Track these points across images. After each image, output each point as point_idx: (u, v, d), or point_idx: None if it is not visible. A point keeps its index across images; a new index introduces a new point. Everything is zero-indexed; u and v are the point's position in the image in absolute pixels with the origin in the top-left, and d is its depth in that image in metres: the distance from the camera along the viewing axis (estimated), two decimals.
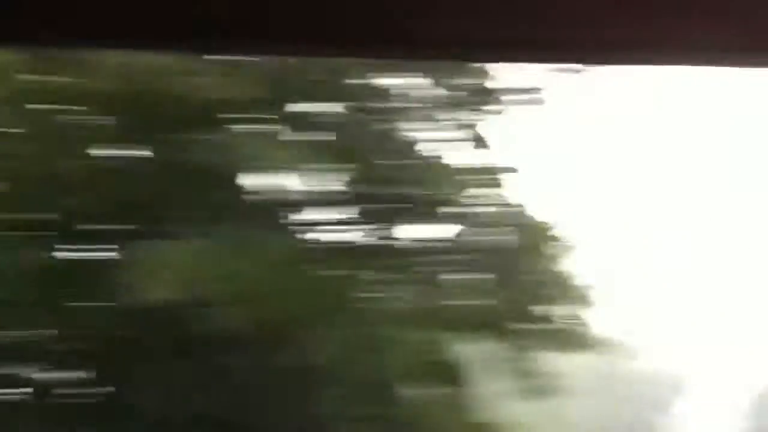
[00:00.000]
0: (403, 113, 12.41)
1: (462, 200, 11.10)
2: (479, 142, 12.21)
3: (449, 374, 11.23)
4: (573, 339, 11.18)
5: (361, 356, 10.25)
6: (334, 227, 11.81)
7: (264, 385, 9.39)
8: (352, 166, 10.93)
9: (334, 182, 11.77)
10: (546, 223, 11.81)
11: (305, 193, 11.41)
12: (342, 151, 10.63)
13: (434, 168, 10.79)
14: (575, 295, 11.60)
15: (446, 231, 11.72)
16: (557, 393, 11.07)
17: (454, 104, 12.16)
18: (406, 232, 12.33)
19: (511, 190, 12.99)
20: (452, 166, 11.39)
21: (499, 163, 12.16)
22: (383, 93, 12.27)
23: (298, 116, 11.49)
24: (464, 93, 12.27)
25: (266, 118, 11.84)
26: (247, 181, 10.34)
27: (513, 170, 12.44)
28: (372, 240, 11.58)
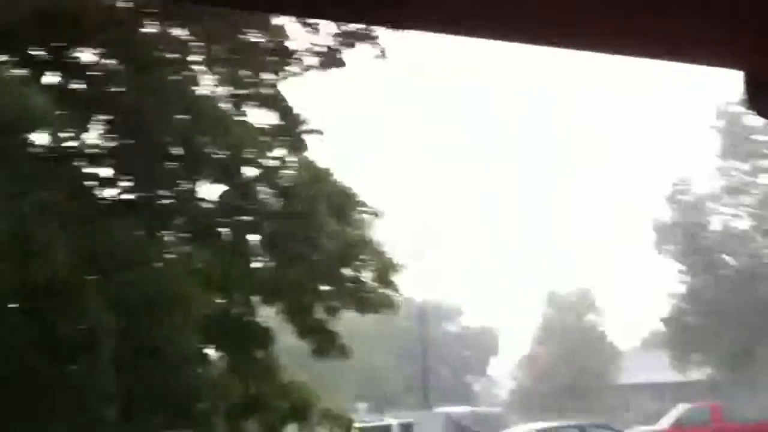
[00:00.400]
0: (199, 68, 11.70)
1: (264, 162, 10.77)
2: (281, 102, 11.85)
3: (250, 336, 10.96)
4: (381, 301, 11.25)
5: (157, 317, 9.77)
6: (123, 184, 10.97)
7: (45, 346, 8.72)
8: (126, 119, 10.19)
9: (103, 136, 10.89)
10: (351, 188, 11.68)
11: (93, 146, 10.51)
12: (112, 104, 9.88)
13: (232, 127, 10.37)
14: (382, 259, 11.64)
15: (247, 192, 11.36)
16: (351, 353, 11.25)
17: (254, 62, 11.66)
18: (207, 191, 11.65)
19: (317, 154, 12.55)
20: (253, 126, 10.99)
21: (304, 125, 11.88)
22: (173, 44, 11.46)
23: (70, 64, 10.59)
24: (264, 51, 11.78)
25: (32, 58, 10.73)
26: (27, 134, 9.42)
27: (319, 132, 12.09)
28: (169, 199, 10.94)
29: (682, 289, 39.39)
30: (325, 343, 12.38)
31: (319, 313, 12.48)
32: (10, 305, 9.98)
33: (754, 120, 38.90)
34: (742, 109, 39.20)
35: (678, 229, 38.06)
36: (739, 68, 1.40)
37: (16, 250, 8.78)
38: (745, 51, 1.34)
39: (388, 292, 12.16)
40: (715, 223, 39.75)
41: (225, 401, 11.11)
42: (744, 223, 40.05)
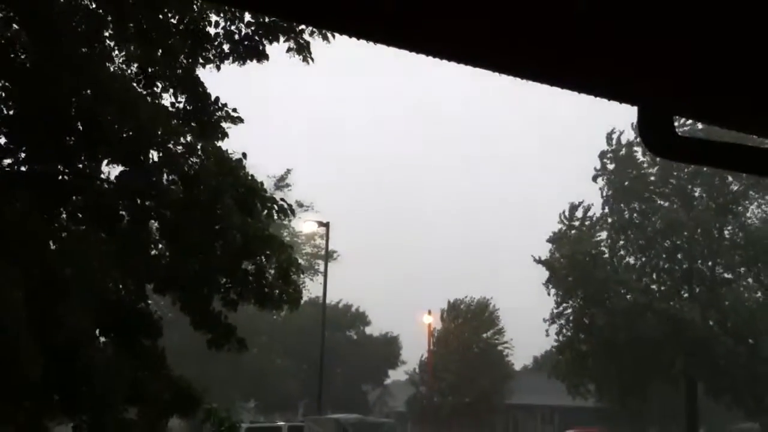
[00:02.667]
0: (111, 43, 11.28)
1: (171, 147, 10.43)
2: (195, 87, 11.53)
3: (140, 325, 10.59)
4: (282, 297, 11.02)
5: (47, 296, 9.32)
6: (19, 156, 10.49)
7: None
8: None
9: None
10: (260, 183, 11.51)
11: None
12: (12, 71, 9.46)
13: (141, 107, 10.02)
14: (286, 257, 11.42)
15: (149, 176, 11.00)
16: (247, 347, 11.14)
17: (170, 43, 11.32)
18: (109, 172, 11.21)
19: (230, 144, 12.24)
20: (163, 109, 10.66)
21: (219, 113, 11.61)
22: (84, 16, 11.06)
23: None
24: (182, 33, 11.44)
25: None
26: None
27: (241, 120, 11.91)
28: (68, 176, 10.50)
29: (574, 316, 40.24)
30: (221, 335, 12.13)
31: (217, 305, 12.23)
32: None
33: (644, 154, 40.31)
34: (634, 143, 40.57)
35: (570, 259, 38.87)
36: (634, 103, 1.45)
37: None
38: (640, 88, 1.41)
39: (290, 290, 11.98)
40: (607, 255, 40.78)
41: (115, 386, 10.76)
42: (633, 258, 41.21)
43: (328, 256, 41.60)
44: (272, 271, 11.95)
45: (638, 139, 40.85)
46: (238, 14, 11.97)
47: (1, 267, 9.42)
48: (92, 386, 10.54)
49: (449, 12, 1.27)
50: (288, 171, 48.75)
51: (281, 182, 47.02)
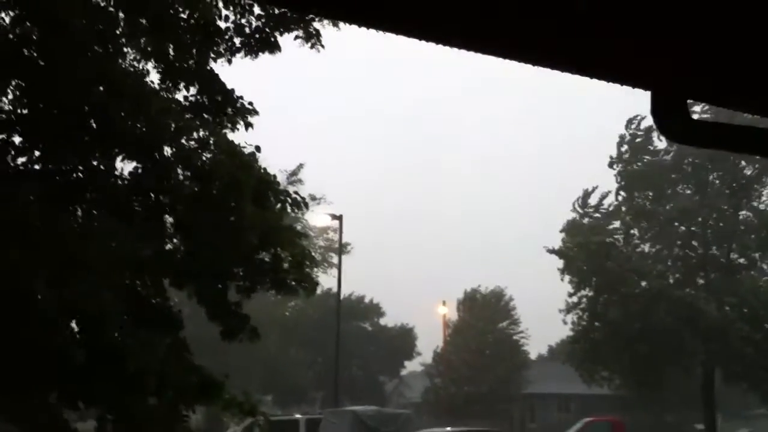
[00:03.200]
0: (122, 40, 11.30)
1: (185, 142, 10.46)
2: (208, 82, 11.54)
3: (158, 319, 10.68)
4: (299, 283, 11.01)
5: (68, 288, 9.40)
6: (34, 154, 10.55)
7: None
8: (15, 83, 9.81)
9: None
10: (274, 177, 11.49)
11: None
12: (26, 69, 9.51)
13: (153, 103, 10.05)
14: (299, 249, 11.45)
15: (163, 171, 11.04)
16: (260, 337, 11.22)
17: (181, 38, 11.33)
18: (123, 168, 11.28)
19: (244, 138, 12.25)
20: (176, 104, 10.68)
21: (231, 108, 11.64)
22: (95, 13, 11.10)
23: None
24: (193, 27, 11.46)
25: None
26: None
27: (256, 113, 11.91)
28: (82, 173, 10.55)
29: (588, 305, 40.13)
30: (234, 325, 12.18)
31: (232, 295, 12.28)
32: None
33: (659, 141, 40.08)
34: (651, 128, 40.32)
35: (583, 247, 38.75)
36: (647, 88, 1.44)
37: None
38: (652, 71, 1.40)
39: (304, 276, 12.03)
40: (622, 243, 40.64)
41: (153, 362, 10.85)
42: (649, 246, 41.06)
43: (342, 248, 41.65)
44: (286, 264, 12.00)
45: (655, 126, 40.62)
46: (247, 7, 11.97)
47: (24, 260, 9.51)
48: (126, 364, 10.62)
49: None
50: (300, 165, 48.79)
51: (293, 177, 47.07)
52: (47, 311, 9.45)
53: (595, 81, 1.49)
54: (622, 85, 1.44)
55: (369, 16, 1.35)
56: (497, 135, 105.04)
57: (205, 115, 11.68)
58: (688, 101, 1.49)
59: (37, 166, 11.37)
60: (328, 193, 75.91)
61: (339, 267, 38.73)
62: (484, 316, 56.36)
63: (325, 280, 50.78)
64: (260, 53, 12.09)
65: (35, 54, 10.77)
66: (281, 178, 32.54)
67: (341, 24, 12.02)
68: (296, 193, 12.44)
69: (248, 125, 11.85)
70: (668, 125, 1.48)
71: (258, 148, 11.69)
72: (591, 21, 1.30)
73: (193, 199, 11.27)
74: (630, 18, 1.31)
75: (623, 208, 40.95)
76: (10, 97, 11.17)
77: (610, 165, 41.21)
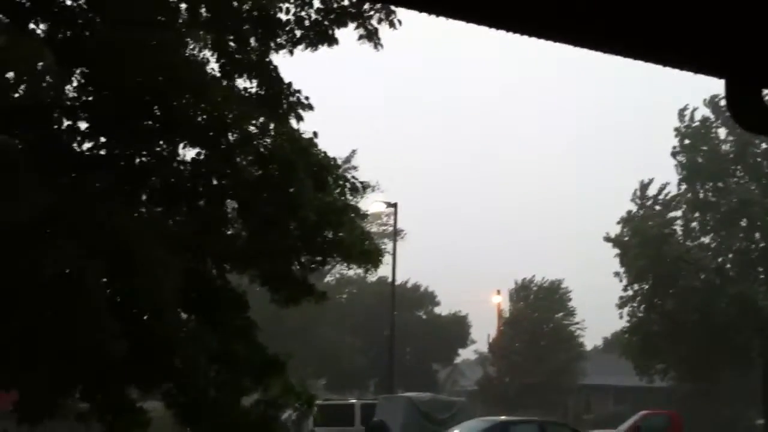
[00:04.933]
0: (185, 30, 11.60)
1: (246, 128, 10.69)
2: (267, 71, 11.81)
3: (223, 302, 10.93)
4: (365, 255, 11.17)
5: (128, 274, 9.70)
6: (99, 139, 10.89)
7: None
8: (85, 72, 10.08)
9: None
10: (334, 160, 11.72)
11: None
12: (92, 57, 9.80)
13: (215, 91, 10.29)
14: (358, 232, 11.61)
15: (225, 157, 11.29)
16: (326, 297, 11.36)
17: (241, 29, 11.54)
18: (186, 154, 11.54)
19: (303, 125, 12.47)
20: (236, 92, 10.92)
21: (291, 96, 11.86)
22: (159, 3, 11.44)
23: (54, 14, 10.55)
24: (253, 19, 11.68)
25: None
26: None
27: (311, 108, 12.14)
28: (146, 158, 10.87)
29: (645, 297, 39.60)
30: (300, 291, 12.37)
31: (298, 270, 12.46)
32: None
33: (720, 130, 39.19)
34: (710, 117, 39.43)
35: (640, 239, 38.22)
36: (721, 76, 1.43)
37: None
38: (727, 59, 1.39)
39: (368, 248, 12.24)
40: (680, 235, 39.98)
41: (202, 355, 11.09)
42: (708, 237, 40.32)
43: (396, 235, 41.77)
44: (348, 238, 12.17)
45: (713, 116, 39.94)
46: (306, 0, 12.13)
47: (79, 248, 9.74)
48: (177, 354, 10.87)
49: None
50: (353, 152, 48.95)
51: (347, 163, 47.25)
52: (94, 304, 9.58)
53: (661, 69, 1.50)
54: (695, 73, 1.45)
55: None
56: (557, 126, 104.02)
57: (265, 105, 11.88)
58: (765, 90, 1.47)
59: (102, 152, 11.69)
60: (383, 181, 76.03)
61: (394, 254, 38.84)
62: (540, 306, 56.03)
63: (380, 267, 50.96)
64: (319, 46, 12.28)
65: (100, 42, 11.05)
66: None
67: (398, 23, 12.15)
68: (354, 177, 12.62)
69: (299, 118, 12.05)
70: (743, 114, 1.46)
71: (316, 134, 11.87)
72: (665, 9, 1.31)
73: (254, 183, 11.48)
74: (705, 6, 1.31)
75: (682, 198, 40.28)
76: (75, 84, 11.50)
77: (673, 155, 40.53)
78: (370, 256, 12.22)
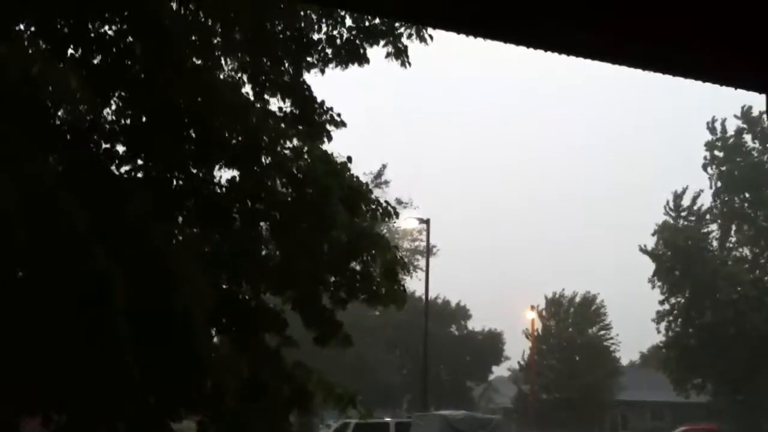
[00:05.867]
0: (219, 52, 11.74)
1: (280, 150, 10.75)
2: (301, 91, 11.84)
3: (260, 320, 10.94)
4: (389, 295, 11.24)
5: (162, 294, 9.81)
6: (137, 162, 10.99)
7: None
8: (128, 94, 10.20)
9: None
10: (367, 185, 11.75)
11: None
12: (128, 81, 9.92)
13: (250, 113, 10.37)
14: (391, 255, 11.62)
15: (260, 179, 11.37)
16: (352, 344, 11.31)
17: (274, 50, 11.62)
18: (220, 176, 11.66)
19: (335, 147, 12.58)
20: (271, 114, 10.99)
21: (324, 117, 11.93)
22: (194, 26, 11.59)
23: (92, 39, 10.71)
24: (286, 39, 11.78)
25: None
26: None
27: (342, 124, 12.23)
28: (182, 180, 10.97)
29: (681, 310, 39.18)
30: (328, 331, 12.39)
31: (326, 303, 12.51)
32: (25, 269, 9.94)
33: (753, 142, 38.73)
34: (744, 129, 38.96)
35: (675, 253, 37.86)
36: (761, 91, 1.45)
37: (35, 212, 8.79)
38: (767, 74, 1.40)
39: (395, 288, 12.17)
40: (715, 248, 39.54)
41: (233, 380, 11.09)
42: (745, 249, 39.86)
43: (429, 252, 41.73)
44: (378, 270, 12.16)
45: (746, 127, 39.49)
46: (339, 19, 12.25)
47: (116, 268, 9.81)
48: (208, 378, 10.87)
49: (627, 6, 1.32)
50: (383, 167, 49.04)
51: (378, 179, 47.34)
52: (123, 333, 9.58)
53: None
54: (735, 88, 1.47)
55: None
56: (589, 138, 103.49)
57: (299, 127, 11.98)
58: None
59: (140, 174, 11.83)
60: (414, 194, 76.06)
61: (426, 272, 38.84)
62: (573, 321, 55.59)
63: (411, 283, 50.95)
64: (350, 64, 12.39)
65: (137, 66, 11.20)
66: (366, 181, 32.69)
67: (429, 39, 12.21)
68: (387, 202, 12.64)
69: (329, 138, 12.13)
70: None
71: (350, 158, 11.93)
72: (708, 28, 1.33)
73: (288, 205, 11.54)
74: (743, 22, 1.33)
75: (717, 211, 39.85)
76: (113, 107, 11.66)
77: (704, 168, 40.19)
78: (396, 298, 12.19)
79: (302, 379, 12.05)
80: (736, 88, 1.46)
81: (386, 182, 47.92)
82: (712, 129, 39.98)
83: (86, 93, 8.90)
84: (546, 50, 1.41)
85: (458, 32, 1.46)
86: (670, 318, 39.81)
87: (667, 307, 39.67)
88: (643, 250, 40.01)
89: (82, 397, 10.28)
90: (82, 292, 9.27)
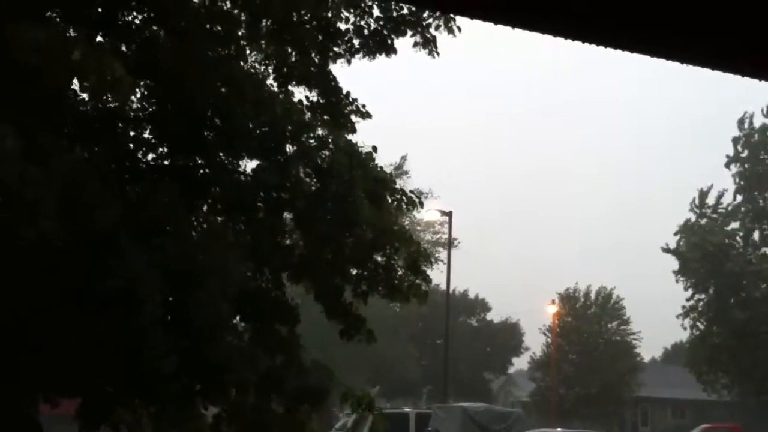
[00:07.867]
0: (245, 42, 11.71)
1: (305, 140, 10.71)
2: (327, 82, 11.80)
3: (277, 312, 10.95)
4: (411, 290, 11.21)
5: (188, 285, 9.79)
6: (162, 150, 11.01)
7: None
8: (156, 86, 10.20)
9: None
10: (391, 175, 11.70)
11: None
12: (155, 69, 9.91)
13: (275, 103, 10.33)
14: (414, 248, 11.57)
15: (284, 169, 11.31)
16: (376, 339, 11.22)
17: (301, 40, 11.58)
18: (246, 165, 11.63)
19: (361, 137, 12.47)
20: (296, 104, 10.97)
21: (350, 107, 11.89)
22: (220, 16, 11.59)
23: (120, 27, 10.71)
24: (312, 30, 11.69)
25: None
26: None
27: (368, 115, 12.19)
28: (207, 169, 10.97)
29: (707, 308, 38.84)
30: (352, 326, 12.39)
31: (348, 296, 12.50)
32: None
33: None
34: (766, 127, 38.45)
35: (700, 251, 37.50)
36: None
37: (63, 203, 8.81)
38: None
39: (418, 281, 12.13)
40: (740, 246, 39.15)
41: (253, 374, 11.10)
42: None
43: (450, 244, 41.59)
44: (401, 263, 12.13)
45: None
46: (366, 9, 12.19)
47: (142, 259, 9.83)
48: (230, 372, 10.88)
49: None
50: (404, 157, 48.80)
51: (399, 170, 47.14)
52: (146, 319, 9.56)
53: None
54: (762, 80, 1.47)
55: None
56: (613, 137, 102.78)
57: (325, 117, 11.96)
58: None
59: (166, 162, 11.87)
60: (435, 186, 75.79)
61: (448, 264, 38.72)
62: (591, 316, 55.24)
63: (432, 275, 50.80)
64: (377, 55, 12.33)
65: (161, 55, 11.22)
66: (388, 171, 32.55)
67: (457, 31, 12.13)
68: (412, 191, 12.59)
69: (353, 130, 12.08)
70: None
71: (375, 148, 11.88)
72: (740, 24, 1.32)
73: (312, 195, 11.53)
74: None
75: (742, 209, 39.43)
76: (139, 95, 11.70)
77: (727, 165, 39.79)
78: (418, 292, 12.13)
79: (319, 376, 12.04)
80: (760, 79, 1.48)
81: (406, 172, 47.77)
82: (741, 126, 39.58)
83: (127, 80, 8.88)
84: (574, 40, 1.40)
85: (488, 21, 1.44)
86: (694, 315, 39.48)
87: (692, 303, 39.35)
88: (666, 249, 39.67)
89: (110, 383, 10.32)
90: (112, 291, 9.31)
